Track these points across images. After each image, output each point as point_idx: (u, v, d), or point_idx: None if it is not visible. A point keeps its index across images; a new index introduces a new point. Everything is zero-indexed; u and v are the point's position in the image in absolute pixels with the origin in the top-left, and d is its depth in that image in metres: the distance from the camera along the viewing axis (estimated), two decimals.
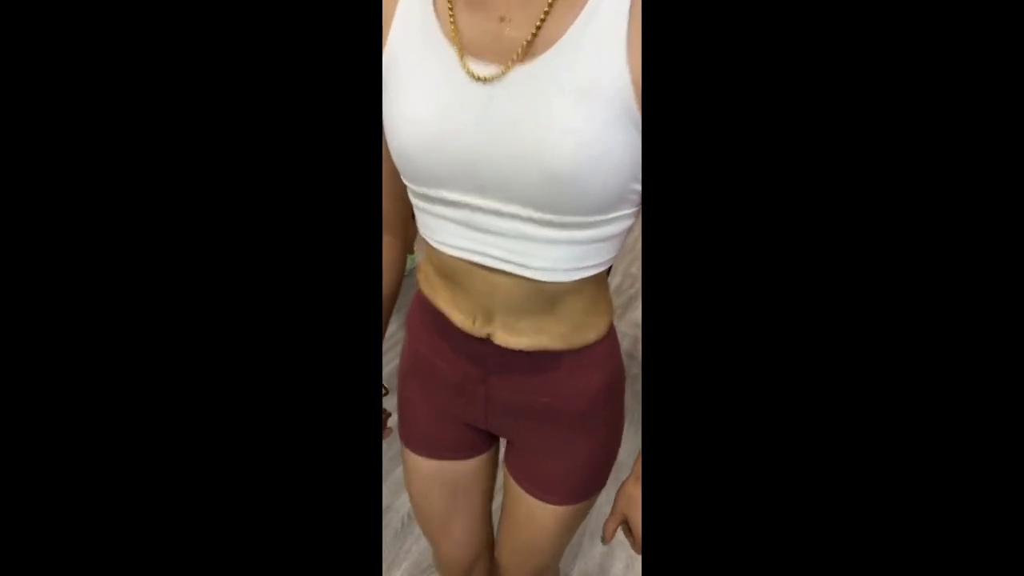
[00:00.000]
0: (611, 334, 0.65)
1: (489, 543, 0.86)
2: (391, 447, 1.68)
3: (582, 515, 0.74)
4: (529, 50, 0.46)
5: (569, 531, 0.75)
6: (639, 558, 1.43)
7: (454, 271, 0.58)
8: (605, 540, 0.67)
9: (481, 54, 0.47)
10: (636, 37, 0.43)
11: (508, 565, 0.81)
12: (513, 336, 0.59)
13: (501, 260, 0.53)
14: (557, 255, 0.51)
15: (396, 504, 1.52)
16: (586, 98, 0.44)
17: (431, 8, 0.49)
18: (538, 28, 0.45)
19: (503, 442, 0.77)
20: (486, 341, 0.60)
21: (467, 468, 0.76)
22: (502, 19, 0.47)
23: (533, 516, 0.73)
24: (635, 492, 0.63)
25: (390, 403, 0.77)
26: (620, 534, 0.69)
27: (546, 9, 0.45)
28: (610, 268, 0.61)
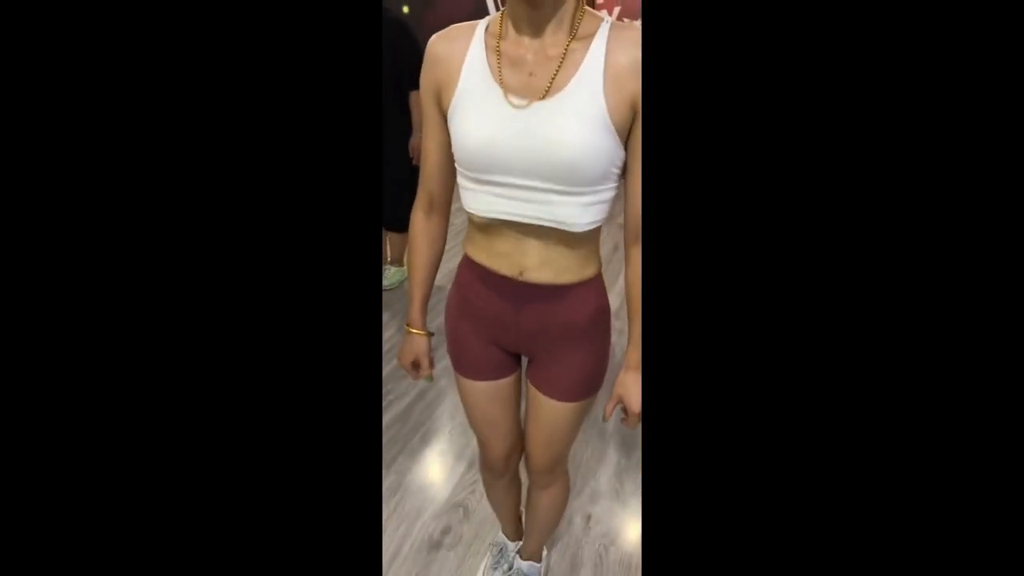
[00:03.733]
0: (600, 275, 0.96)
1: (521, 440, 1.15)
2: (405, 424, 1.95)
3: (586, 410, 1.03)
4: (547, 92, 0.77)
5: (577, 422, 1.05)
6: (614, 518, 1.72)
7: (497, 232, 0.87)
8: (604, 418, 0.97)
9: (518, 93, 0.78)
10: (608, 81, 0.75)
11: (534, 455, 1.10)
12: (538, 274, 0.89)
13: (534, 217, 0.83)
14: (569, 211, 0.81)
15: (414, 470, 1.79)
16: (581, 117, 0.75)
17: (487, 66, 0.80)
18: (552, 79, 0.77)
19: (523, 372, 1.07)
20: (517, 282, 0.90)
21: (505, 383, 1.06)
22: (531, 74, 0.78)
23: (552, 413, 1.02)
24: (626, 378, 0.90)
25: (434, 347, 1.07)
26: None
27: (556, 69, 0.77)
28: (599, 230, 0.92)
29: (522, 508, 1.41)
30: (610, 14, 4.00)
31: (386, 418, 1.97)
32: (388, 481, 1.72)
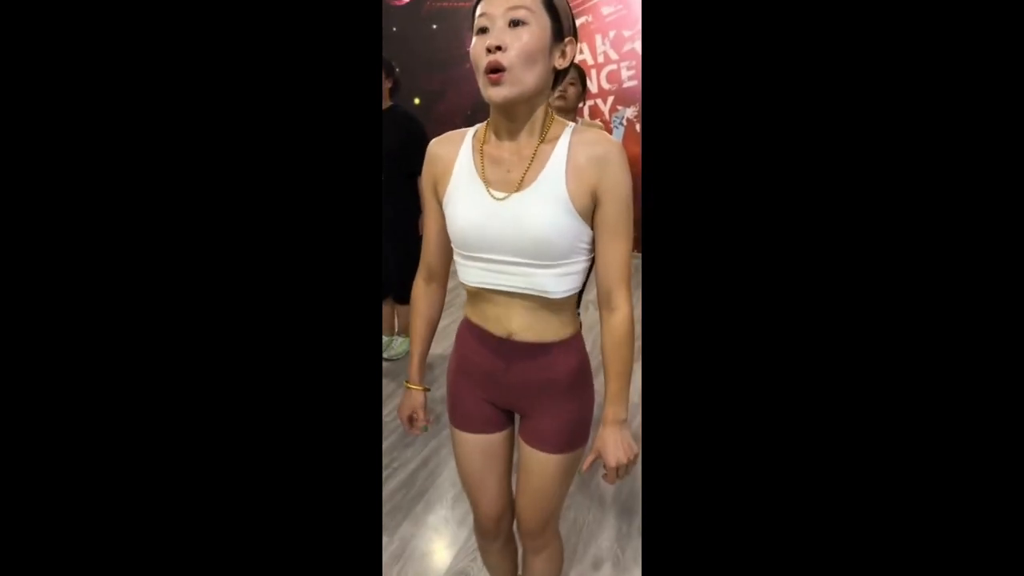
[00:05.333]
0: (579, 334, 1.06)
1: (511, 503, 1.20)
2: (409, 491, 1.98)
3: (574, 463, 1.09)
4: (520, 185, 0.92)
5: (566, 476, 1.10)
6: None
7: (488, 299, 1.00)
8: (581, 472, 1.03)
9: (497, 187, 0.93)
10: (569, 174, 0.89)
11: (524, 513, 1.15)
12: (523, 334, 1.00)
13: (516, 287, 0.96)
14: (545, 281, 0.95)
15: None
16: (548, 204, 0.90)
17: (473, 165, 0.96)
18: (524, 175, 0.92)
19: (516, 427, 1.14)
20: (507, 341, 1.01)
21: (495, 439, 1.13)
22: (508, 171, 0.93)
23: (541, 465, 1.08)
24: (603, 433, 0.99)
25: (433, 398, 1.15)
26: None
27: (527, 166, 0.92)
28: (579, 295, 1.02)
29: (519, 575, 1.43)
30: (604, 102, 4.30)
31: (390, 485, 2.01)
32: (392, 547, 1.73)
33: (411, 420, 1.16)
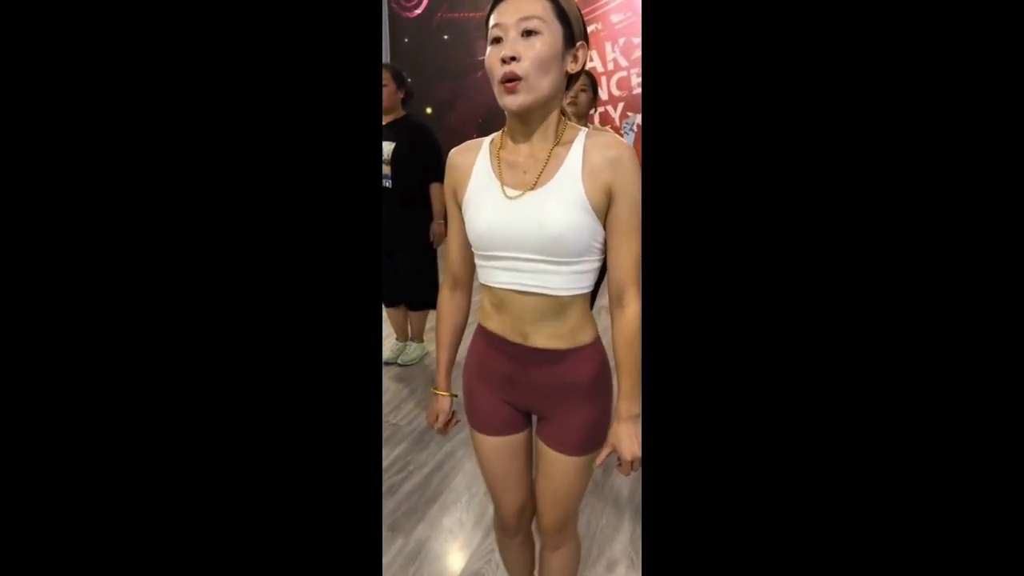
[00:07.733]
0: (597, 341, 1.07)
1: (532, 499, 1.22)
2: (424, 493, 2.00)
3: (590, 464, 1.11)
4: (535, 185, 0.94)
5: (584, 477, 1.12)
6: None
7: (503, 299, 1.02)
8: (595, 464, 1.05)
9: (513, 186, 0.96)
10: (585, 172, 0.92)
11: (544, 511, 1.16)
12: (539, 339, 1.02)
13: (531, 286, 0.98)
14: (560, 280, 0.97)
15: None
16: (563, 202, 0.92)
17: (490, 168, 0.99)
18: (539, 176, 0.94)
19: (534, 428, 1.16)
20: (522, 347, 1.03)
21: (515, 440, 1.15)
22: (524, 172, 0.96)
23: (560, 467, 1.10)
24: (618, 428, 1.01)
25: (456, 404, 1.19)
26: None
27: (543, 167, 0.94)
28: (592, 298, 1.04)
29: (535, 575, 1.44)
30: (615, 109, 4.33)
31: (406, 488, 2.03)
32: (407, 549, 1.75)
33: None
